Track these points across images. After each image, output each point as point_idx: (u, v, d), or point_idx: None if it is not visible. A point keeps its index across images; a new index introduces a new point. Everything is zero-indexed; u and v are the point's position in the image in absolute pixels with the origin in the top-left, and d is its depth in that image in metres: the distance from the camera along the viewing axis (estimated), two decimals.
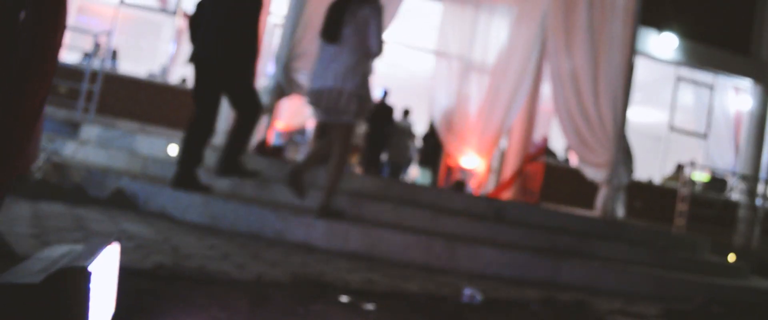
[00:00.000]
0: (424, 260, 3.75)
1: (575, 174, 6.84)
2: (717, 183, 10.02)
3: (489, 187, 7.53)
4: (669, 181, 9.72)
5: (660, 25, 9.16)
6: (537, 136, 8.04)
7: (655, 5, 8.29)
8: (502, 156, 7.95)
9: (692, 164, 8.36)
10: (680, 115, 10.03)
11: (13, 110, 1.38)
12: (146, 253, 2.58)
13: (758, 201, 8.93)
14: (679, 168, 9.36)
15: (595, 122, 5.85)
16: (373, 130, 8.94)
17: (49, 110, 5.75)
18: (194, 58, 4.07)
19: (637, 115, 11.42)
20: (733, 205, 9.24)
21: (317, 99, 3.84)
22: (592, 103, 5.86)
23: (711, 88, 10.09)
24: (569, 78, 6.01)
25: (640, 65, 7.39)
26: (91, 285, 1.16)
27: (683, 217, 7.92)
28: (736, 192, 9.59)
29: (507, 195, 6.98)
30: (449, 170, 7.70)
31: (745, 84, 10.02)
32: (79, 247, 1.42)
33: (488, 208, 4.99)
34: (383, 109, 8.95)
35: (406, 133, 9.84)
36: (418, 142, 10.20)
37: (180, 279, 2.23)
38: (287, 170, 3.99)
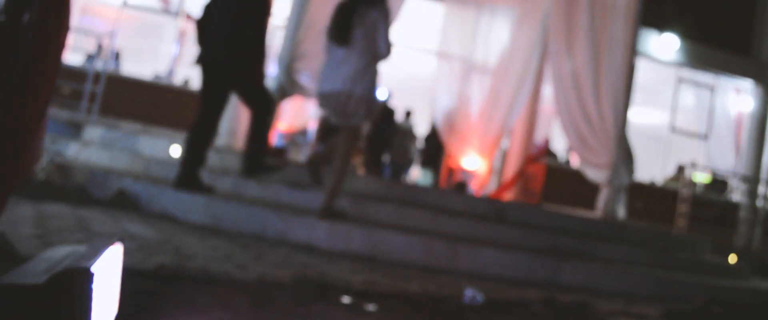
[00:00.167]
0: (426, 261, 3.75)
1: (576, 175, 6.84)
2: (718, 184, 10.01)
3: (490, 188, 7.53)
4: (670, 182, 9.72)
5: (661, 26, 9.16)
6: (538, 137, 8.03)
7: (656, 6, 8.29)
8: (504, 157, 7.94)
9: (693, 165, 8.36)
10: (681, 116, 10.02)
11: (16, 111, 1.39)
12: (149, 254, 2.58)
13: (759, 203, 8.91)
14: (680, 169, 9.36)
15: (596, 123, 5.85)
16: (375, 132, 8.94)
17: (53, 111, 5.76)
18: (202, 60, 4.09)
19: (638, 116, 11.39)
20: (734, 206, 9.23)
21: (326, 102, 3.85)
22: (593, 104, 5.86)
23: (712, 89, 10.09)
24: (570, 79, 6.01)
25: (641, 66, 7.39)
26: (94, 286, 1.17)
27: (684, 218, 7.91)
28: (736, 194, 9.58)
29: (508, 196, 6.98)
30: (451, 171, 7.70)
31: (746, 85, 10.01)
32: (82, 248, 1.42)
33: (489, 209, 5.00)
34: (385, 111, 8.95)
35: (408, 134, 9.84)
36: (420, 143, 10.20)
37: (182, 280, 2.24)
38: (308, 155, 4.05)
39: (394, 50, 3.88)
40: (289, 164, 4.50)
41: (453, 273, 3.65)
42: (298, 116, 7.14)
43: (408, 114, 9.94)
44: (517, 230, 4.58)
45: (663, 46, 9.35)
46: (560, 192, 8.55)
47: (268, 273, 2.62)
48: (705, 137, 10.10)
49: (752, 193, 9.18)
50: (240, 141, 6.02)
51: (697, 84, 10.05)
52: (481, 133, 7.06)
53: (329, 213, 3.85)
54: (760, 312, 4.17)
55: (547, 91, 7.12)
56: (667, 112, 10.20)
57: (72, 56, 8.83)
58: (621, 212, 6.21)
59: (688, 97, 10.24)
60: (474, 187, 7.07)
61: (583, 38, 5.96)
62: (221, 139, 5.46)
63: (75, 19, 9.88)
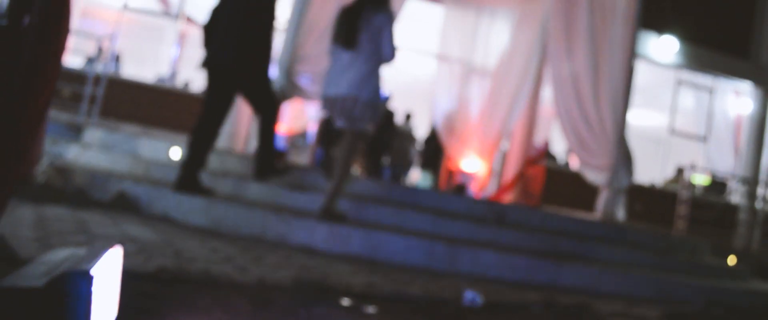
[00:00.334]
0: (426, 263, 3.75)
1: (576, 178, 6.84)
2: (717, 186, 10.01)
3: (490, 190, 7.53)
4: (669, 184, 9.72)
5: (660, 28, 9.17)
6: (538, 139, 8.03)
7: (656, 9, 8.30)
8: (503, 159, 7.94)
9: (692, 167, 8.36)
10: (680, 118, 10.03)
11: (17, 113, 1.39)
12: (149, 256, 2.59)
13: (758, 204, 8.92)
14: (680, 171, 9.36)
15: (595, 125, 5.86)
16: (374, 134, 8.94)
17: (53, 113, 5.76)
18: (208, 64, 4.10)
19: (638, 118, 11.41)
20: (734, 208, 9.23)
21: (331, 106, 3.85)
22: (593, 106, 5.87)
23: (711, 91, 10.09)
24: (570, 81, 6.02)
25: (641, 68, 7.40)
26: (94, 289, 1.17)
27: (683, 220, 7.92)
28: (736, 195, 9.59)
29: (508, 198, 6.98)
30: (450, 173, 7.70)
31: (745, 87, 10.01)
32: (81, 251, 1.42)
33: (489, 211, 5.00)
34: (385, 113, 8.95)
35: (408, 136, 9.85)
36: (420, 146, 10.21)
37: (182, 282, 2.24)
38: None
39: (398, 54, 3.89)
40: (289, 166, 4.52)
41: (453, 276, 3.65)
42: (298, 119, 7.14)
43: (408, 116, 9.94)
44: (516, 232, 4.58)
45: (662, 48, 9.36)
46: (560, 195, 8.55)
47: (269, 275, 2.62)
48: (704, 139, 10.10)
49: (751, 195, 9.18)
50: (240, 144, 6.03)
51: (696, 86, 10.06)
52: (480, 135, 7.07)
53: (329, 214, 3.85)
54: (760, 314, 4.17)
55: (547, 94, 7.13)
56: (666, 114, 10.21)
57: (72, 59, 8.84)
58: (620, 214, 6.22)
59: (688, 99, 10.25)
60: (474, 189, 7.07)
61: (583, 40, 5.96)
62: (221, 141, 5.46)
63: (75, 21, 9.89)
